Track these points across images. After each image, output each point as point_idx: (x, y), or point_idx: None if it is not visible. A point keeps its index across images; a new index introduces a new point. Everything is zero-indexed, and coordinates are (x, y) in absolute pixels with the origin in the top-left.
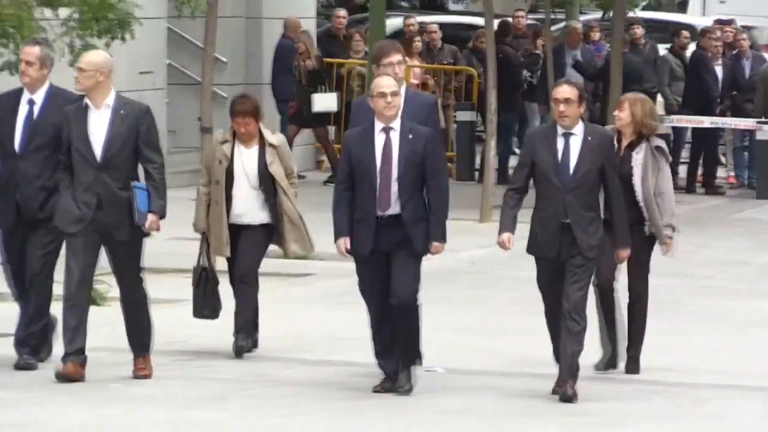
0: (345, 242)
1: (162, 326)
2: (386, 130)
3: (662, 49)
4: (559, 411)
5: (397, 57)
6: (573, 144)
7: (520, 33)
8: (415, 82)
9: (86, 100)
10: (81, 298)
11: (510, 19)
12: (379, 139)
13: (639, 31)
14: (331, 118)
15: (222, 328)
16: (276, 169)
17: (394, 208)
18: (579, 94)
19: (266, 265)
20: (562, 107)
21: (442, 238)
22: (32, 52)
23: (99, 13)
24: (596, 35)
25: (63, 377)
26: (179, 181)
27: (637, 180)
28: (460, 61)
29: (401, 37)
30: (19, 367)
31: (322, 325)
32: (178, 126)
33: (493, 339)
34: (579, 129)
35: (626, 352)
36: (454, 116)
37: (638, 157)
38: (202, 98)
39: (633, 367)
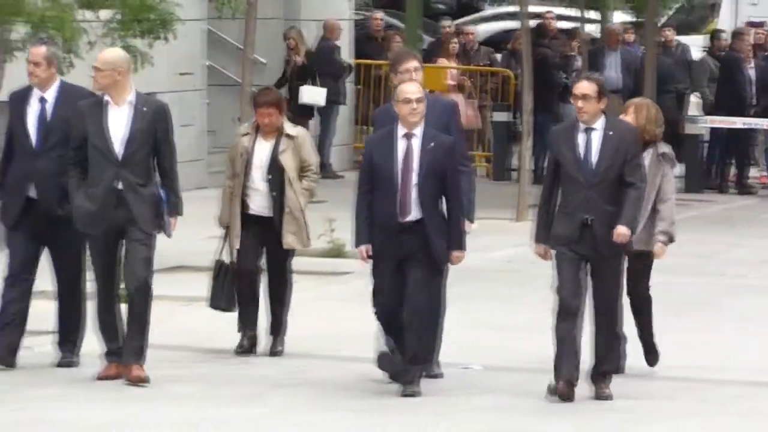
0: (366, 249)
1: (198, 323)
2: (408, 136)
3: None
4: (592, 408)
5: (413, 64)
6: (594, 139)
7: (552, 35)
8: (452, 83)
9: (106, 97)
10: (110, 297)
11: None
12: (401, 145)
13: (669, 33)
14: (313, 111)
15: (262, 326)
16: (286, 159)
17: (414, 215)
18: (598, 90)
19: (304, 263)
20: (580, 103)
21: (461, 247)
22: (39, 52)
23: (140, 14)
24: (630, 37)
25: (104, 378)
26: (218, 180)
27: None
28: (495, 62)
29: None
30: (62, 365)
31: (358, 323)
32: (217, 126)
33: (528, 337)
34: (600, 124)
35: (641, 339)
36: (491, 117)
37: (644, 163)
38: (241, 99)
39: (653, 358)
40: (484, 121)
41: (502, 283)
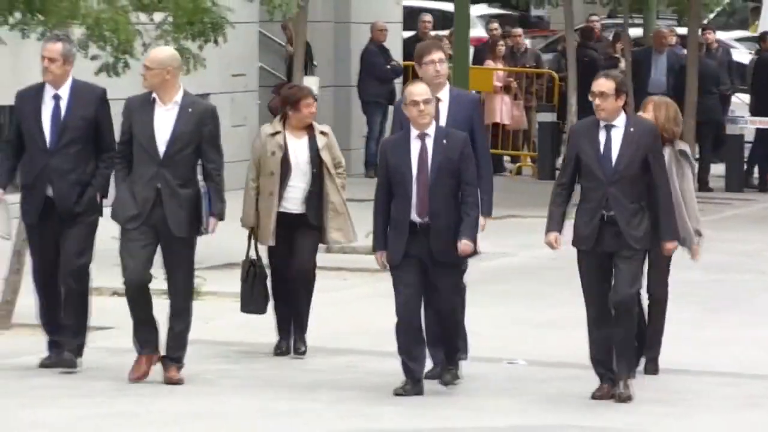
0: (381, 256)
1: (248, 319)
2: (422, 136)
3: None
4: (636, 401)
5: (438, 55)
6: (615, 136)
7: (596, 37)
8: (499, 84)
9: (154, 96)
10: (142, 295)
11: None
12: (415, 146)
13: (711, 36)
14: None
15: (314, 322)
16: (326, 156)
17: (431, 215)
18: (615, 87)
19: (353, 260)
20: (597, 101)
21: (471, 239)
22: (55, 48)
23: (193, 17)
24: (672, 39)
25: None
26: None
27: None
28: (542, 63)
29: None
30: (44, 365)
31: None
32: None
33: (572, 332)
34: (620, 121)
35: (644, 354)
36: (536, 117)
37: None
38: None
39: (652, 368)
40: (530, 121)
41: (546, 280)
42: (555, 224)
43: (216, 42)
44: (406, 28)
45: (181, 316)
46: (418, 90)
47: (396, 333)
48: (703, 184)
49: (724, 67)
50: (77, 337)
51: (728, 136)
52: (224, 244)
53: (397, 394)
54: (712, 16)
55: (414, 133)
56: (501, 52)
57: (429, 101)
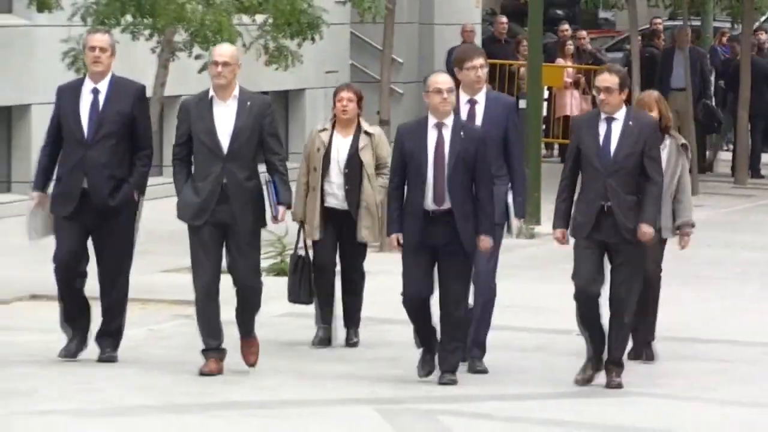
0: (397, 237)
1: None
2: (439, 126)
3: None
4: (659, 373)
5: (479, 61)
6: (614, 128)
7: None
8: (568, 80)
9: (212, 93)
10: (215, 291)
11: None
12: (432, 135)
13: (764, 36)
14: None
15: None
16: (365, 155)
17: (446, 204)
18: (619, 82)
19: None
20: (602, 95)
21: (489, 233)
22: (104, 39)
23: (291, 18)
24: (724, 39)
25: (206, 374)
26: None
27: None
28: (601, 61)
29: None
30: (102, 360)
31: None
32: None
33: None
34: (621, 114)
35: (635, 338)
36: None
37: (663, 154)
38: (381, 94)
39: (650, 352)
40: None
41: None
42: (561, 220)
43: (313, 40)
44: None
45: (252, 302)
46: (443, 79)
47: (409, 315)
48: (755, 171)
49: None
50: (117, 337)
51: None
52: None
53: (421, 377)
54: (763, 18)
55: (432, 121)
56: (569, 51)
57: (452, 90)
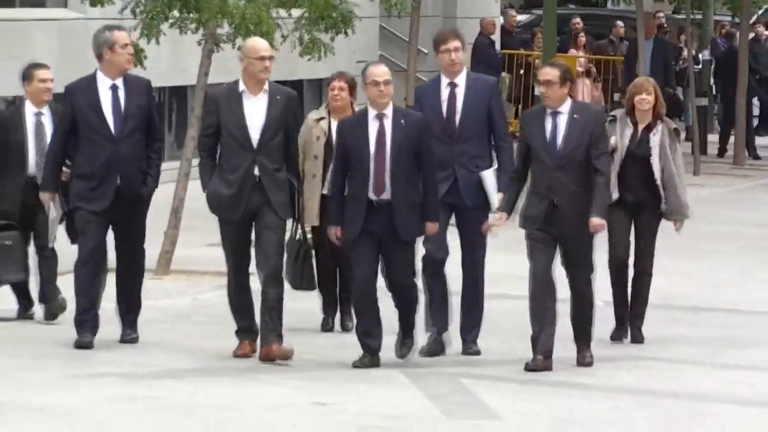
0: (336, 231)
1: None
2: (379, 116)
3: None
4: (664, 339)
5: (454, 43)
6: (560, 122)
7: (663, 30)
8: (580, 69)
9: (243, 86)
10: (245, 281)
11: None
12: (373, 126)
13: (761, 29)
14: None
15: None
16: None
17: (388, 193)
18: (560, 75)
19: None
20: (543, 89)
21: (434, 218)
22: (127, 35)
23: (324, 12)
24: (723, 31)
25: (240, 356)
26: None
27: (655, 160)
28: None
29: None
30: (125, 341)
31: (507, 266)
32: None
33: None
34: (566, 108)
35: (630, 323)
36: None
37: (655, 139)
38: (407, 83)
39: (640, 336)
40: (608, 101)
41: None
42: (505, 207)
43: (345, 33)
44: None
45: (277, 292)
46: (379, 70)
47: (354, 306)
48: (751, 149)
49: None
50: (136, 314)
51: None
52: None
53: (355, 366)
54: (761, 11)
55: (372, 113)
56: (581, 43)
57: (389, 82)
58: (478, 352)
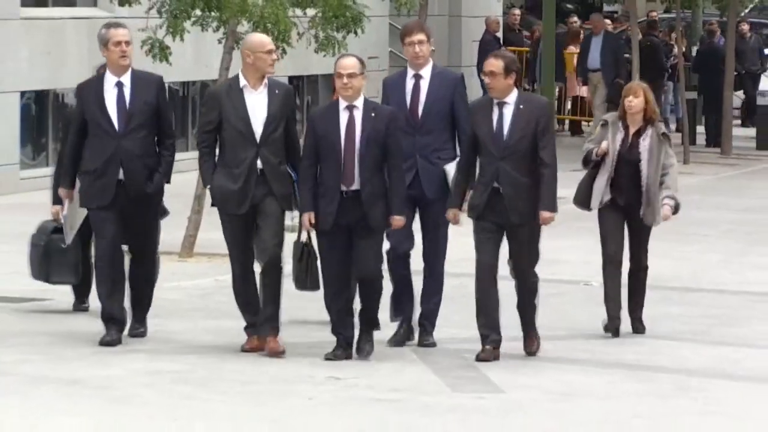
0: (309, 216)
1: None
2: (350, 108)
3: None
4: (657, 318)
5: (418, 36)
6: (506, 113)
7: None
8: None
9: (243, 81)
10: (250, 275)
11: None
12: (343, 117)
13: (745, 27)
14: None
15: None
16: None
17: (357, 183)
18: (504, 66)
19: None
20: (487, 79)
21: (400, 212)
22: (126, 32)
23: (338, 12)
24: (716, 29)
25: (248, 351)
26: None
27: (644, 165)
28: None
29: None
30: (133, 335)
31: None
32: None
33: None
34: (512, 98)
35: (630, 315)
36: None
37: (645, 144)
38: None
39: (641, 327)
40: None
41: None
42: (454, 202)
43: (356, 33)
44: None
45: (276, 286)
46: (345, 63)
47: (325, 298)
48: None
49: (756, 51)
50: (146, 310)
51: (759, 107)
52: None
53: (327, 359)
54: (747, 10)
55: (342, 104)
56: (580, 40)
57: (354, 75)
58: (433, 344)
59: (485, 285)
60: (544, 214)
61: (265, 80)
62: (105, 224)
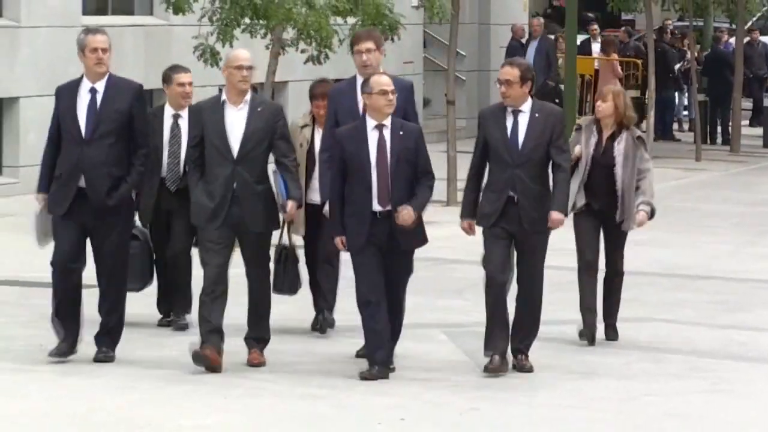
0: (342, 241)
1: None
2: (379, 127)
3: None
4: (667, 303)
5: (366, 45)
6: (521, 121)
7: (671, 34)
8: (597, 68)
9: (224, 98)
10: (219, 292)
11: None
12: (373, 136)
13: (755, 34)
14: None
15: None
16: None
17: (391, 204)
18: (520, 75)
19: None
20: (503, 88)
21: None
22: (105, 39)
23: (376, 20)
24: (725, 37)
25: (201, 361)
26: (429, 138)
27: (618, 169)
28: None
29: None
30: (98, 360)
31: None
32: (431, 99)
33: (660, 249)
34: (527, 106)
35: (605, 321)
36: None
37: (620, 147)
38: (447, 80)
39: (614, 334)
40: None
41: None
42: (468, 211)
43: (392, 40)
44: None
45: (263, 302)
46: (387, 80)
47: (363, 318)
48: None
49: (763, 57)
50: (115, 335)
51: (765, 108)
52: None
53: (363, 378)
54: (755, 19)
55: (371, 123)
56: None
57: (395, 92)
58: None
59: (496, 294)
60: (555, 215)
61: (247, 97)
62: (62, 232)
